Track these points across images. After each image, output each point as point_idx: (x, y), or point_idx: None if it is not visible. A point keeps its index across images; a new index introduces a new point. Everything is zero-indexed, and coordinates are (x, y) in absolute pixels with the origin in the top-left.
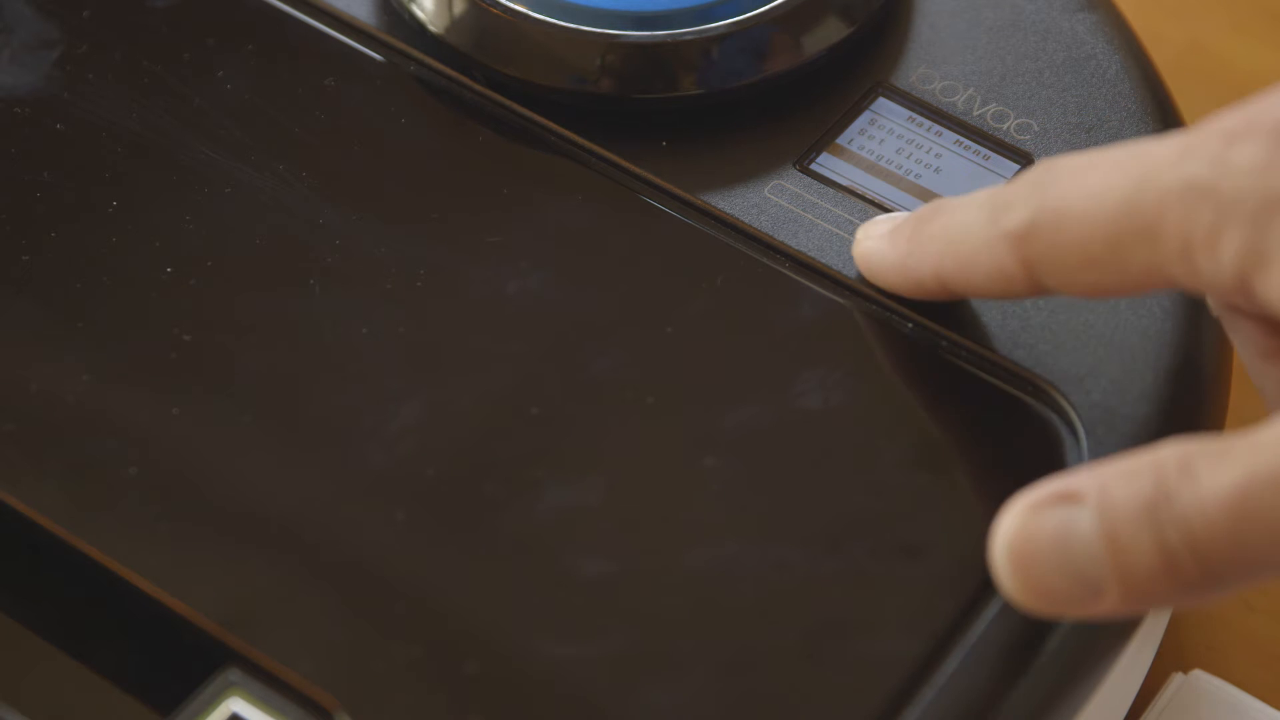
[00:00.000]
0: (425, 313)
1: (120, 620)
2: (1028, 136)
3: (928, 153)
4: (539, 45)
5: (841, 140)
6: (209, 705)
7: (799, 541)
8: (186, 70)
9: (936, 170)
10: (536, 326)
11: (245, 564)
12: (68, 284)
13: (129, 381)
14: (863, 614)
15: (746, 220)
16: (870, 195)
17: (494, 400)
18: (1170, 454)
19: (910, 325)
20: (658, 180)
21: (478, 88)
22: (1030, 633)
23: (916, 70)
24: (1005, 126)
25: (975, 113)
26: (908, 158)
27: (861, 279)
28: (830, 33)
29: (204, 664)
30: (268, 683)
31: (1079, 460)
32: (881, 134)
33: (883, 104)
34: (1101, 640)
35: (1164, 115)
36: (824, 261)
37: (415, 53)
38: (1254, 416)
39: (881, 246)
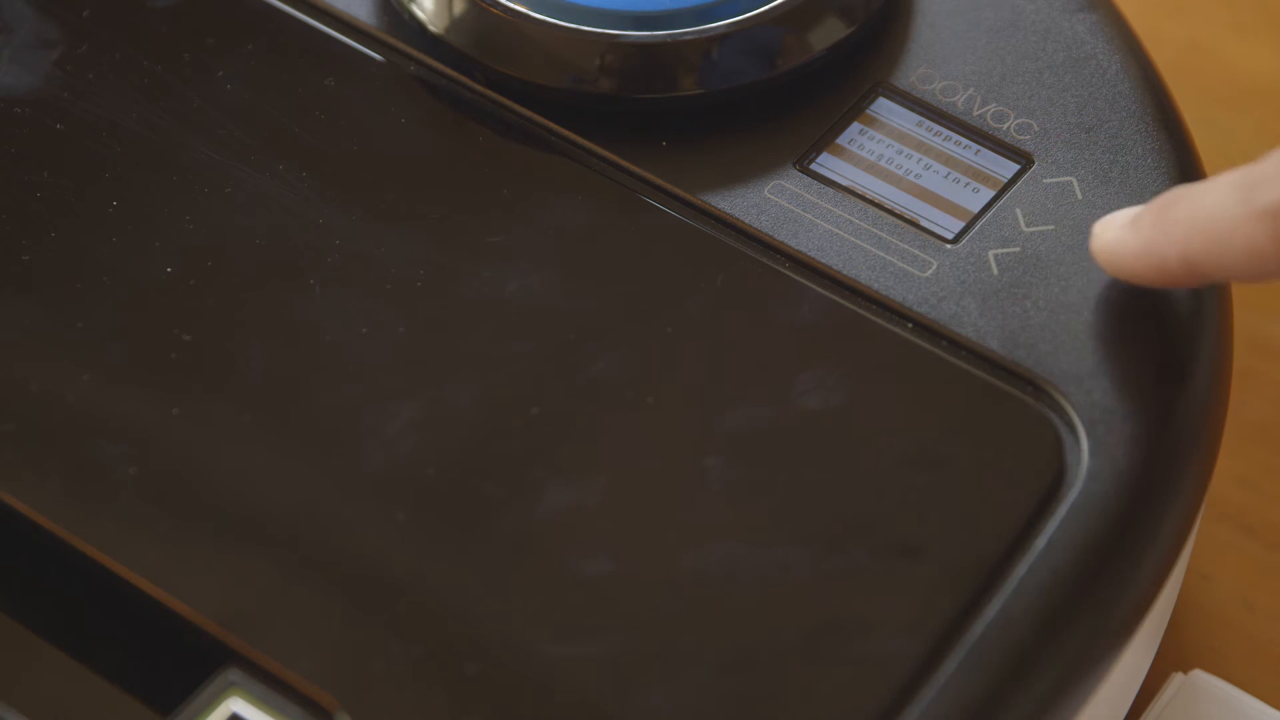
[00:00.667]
0: (425, 312)
1: (120, 620)
2: (1028, 136)
3: (928, 153)
4: (539, 45)
5: (841, 140)
6: (209, 705)
7: (799, 541)
8: (186, 70)
9: (936, 170)
10: (536, 326)
11: (245, 564)
12: (68, 284)
13: (129, 381)
14: (863, 614)
15: (746, 220)
16: (870, 195)
17: (494, 400)
18: None
19: (910, 325)
20: (658, 180)
21: (478, 88)
22: (1030, 633)
23: (916, 70)
24: (1005, 126)
25: (975, 113)
26: (908, 158)
27: (861, 279)
28: (830, 33)
29: (204, 664)
30: (268, 683)
31: (1079, 460)
32: (881, 134)
33: (883, 104)
34: (1101, 640)
35: (1164, 115)
36: (824, 261)
37: (415, 53)
38: (1254, 416)
39: (1124, 235)
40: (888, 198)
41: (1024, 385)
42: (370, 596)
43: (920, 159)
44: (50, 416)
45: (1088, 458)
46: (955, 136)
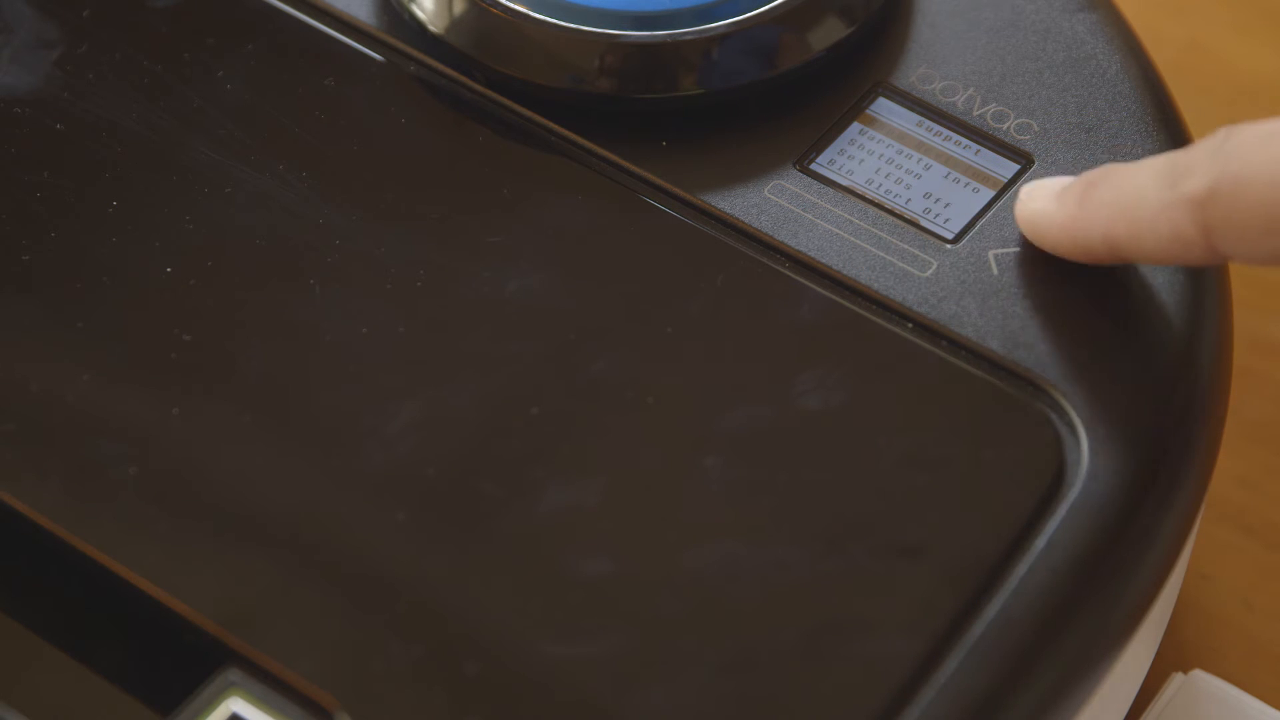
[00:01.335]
0: (425, 312)
1: (120, 620)
2: (1028, 136)
3: (928, 153)
4: (539, 45)
5: (841, 140)
6: (209, 705)
7: (799, 541)
8: (186, 70)
9: (936, 170)
10: (536, 326)
11: (245, 564)
12: (68, 284)
13: (129, 381)
14: (863, 614)
15: (746, 220)
16: (870, 195)
17: (494, 400)
18: None
19: (910, 325)
20: (658, 180)
21: (478, 88)
22: (1030, 633)
23: (916, 70)
24: (1005, 126)
25: (975, 113)
26: (908, 158)
27: (861, 279)
28: (830, 33)
29: (204, 664)
30: (268, 683)
31: (1079, 460)
32: (881, 134)
33: (883, 104)
34: (1101, 640)
35: (1164, 115)
36: (824, 261)
37: (415, 53)
38: (1254, 416)
39: (1048, 208)
40: (888, 198)
41: (1024, 385)
42: (370, 596)
43: (920, 159)
44: (50, 416)
45: (1088, 458)
46: (955, 136)
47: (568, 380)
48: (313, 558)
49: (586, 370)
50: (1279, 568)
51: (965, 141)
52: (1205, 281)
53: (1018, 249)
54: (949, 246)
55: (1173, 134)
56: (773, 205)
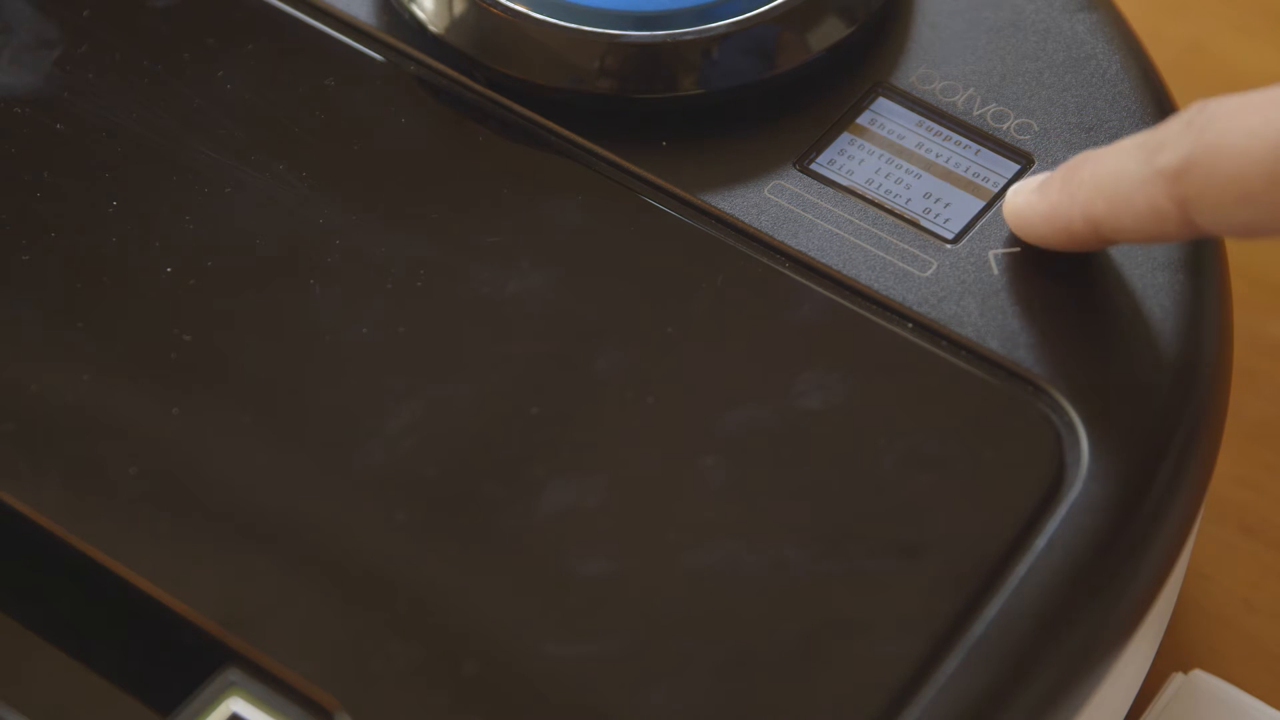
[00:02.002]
0: (425, 312)
1: (120, 620)
2: (1028, 136)
3: (928, 153)
4: (539, 45)
5: (841, 140)
6: (209, 705)
7: (798, 541)
8: (186, 70)
9: (936, 170)
10: (536, 326)
11: (245, 564)
12: (68, 284)
13: (129, 381)
14: (863, 614)
15: (746, 220)
16: (870, 195)
17: (494, 400)
18: None
19: (910, 325)
20: (658, 180)
21: (478, 88)
22: (1030, 633)
23: (916, 70)
24: (1005, 126)
25: (975, 113)
26: (908, 158)
27: (861, 279)
28: (830, 33)
29: (204, 664)
30: (268, 683)
31: (1079, 460)
32: (881, 134)
33: (883, 104)
34: (1101, 640)
35: (1164, 115)
36: (824, 261)
37: (415, 53)
38: (1254, 416)
39: (1032, 199)
40: (888, 198)
41: (1024, 385)
42: (370, 596)
43: (920, 159)
44: (50, 416)
45: (1088, 458)
46: (955, 136)
47: (568, 380)
48: (313, 557)
49: (587, 370)
50: (1279, 568)
51: (965, 141)
52: (1205, 281)
53: (1018, 249)
54: (949, 246)
55: None
56: (773, 205)
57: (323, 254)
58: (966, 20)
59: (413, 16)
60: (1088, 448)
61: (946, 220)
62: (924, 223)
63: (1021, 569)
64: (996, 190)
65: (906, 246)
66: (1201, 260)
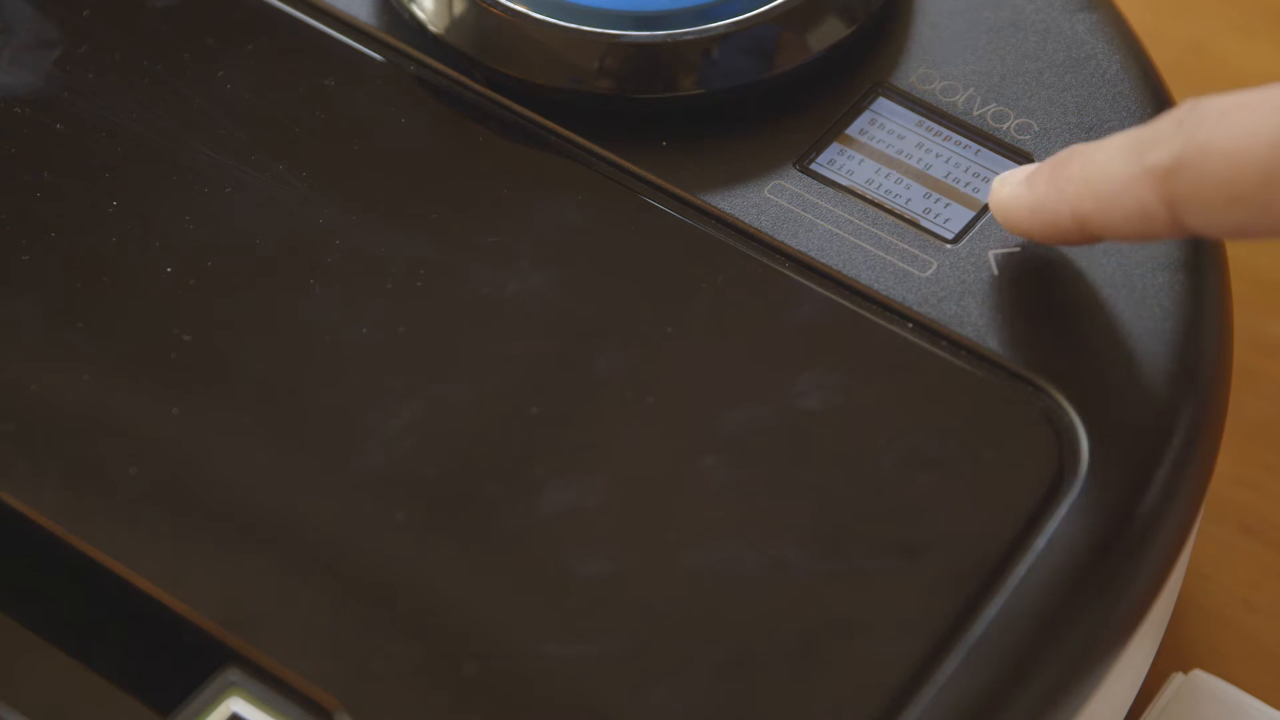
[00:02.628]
0: (425, 312)
1: (120, 620)
2: (1028, 136)
3: (928, 153)
4: (539, 45)
5: (841, 140)
6: (209, 705)
7: (799, 541)
8: (186, 70)
9: (936, 171)
10: (536, 326)
11: (245, 564)
12: (68, 284)
13: (129, 381)
14: (863, 614)
15: (746, 220)
16: (870, 195)
17: (494, 400)
18: None
19: (910, 325)
20: (658, 180)
21: (478, 88)
22: (1030, 633)
23: (916, 70)
24: (1005, 126)
25: (975, 113)
26: (908, 158)
27: (861, 279)
28: (830, 33)
29: (204, 664)
30: (268, 683)
31: (1079, 461)
32: (881, 134)
33: (883, 104)
34: (1101, 640)
35: None
36: (824, 261)
37: (415, 53)
38: (1254, 416)
39: (1019, 191)
40: (888, 198)
41: (1024, 385)
42: (370, 596)
43: (920, 159)
44: (50, 416)
45: (1088, 458)
46: (955, 136)
47: (568, 380)
48: (313, 557)
49: (586, 370)
50: (1279, 568)
51: (965, 142)
52: (1205, 281)
53: (1018, 249)
54: (949, 246)
55: None
56: (773, 205)
57: (323, 254)
58: (966, 20)
59: (413, 16)
60: (1088, 448)
61: (946, 220)
62: (924, 223)
63: (1021, 569)
64: None
65: (906, 246)
66: (1201, 260)
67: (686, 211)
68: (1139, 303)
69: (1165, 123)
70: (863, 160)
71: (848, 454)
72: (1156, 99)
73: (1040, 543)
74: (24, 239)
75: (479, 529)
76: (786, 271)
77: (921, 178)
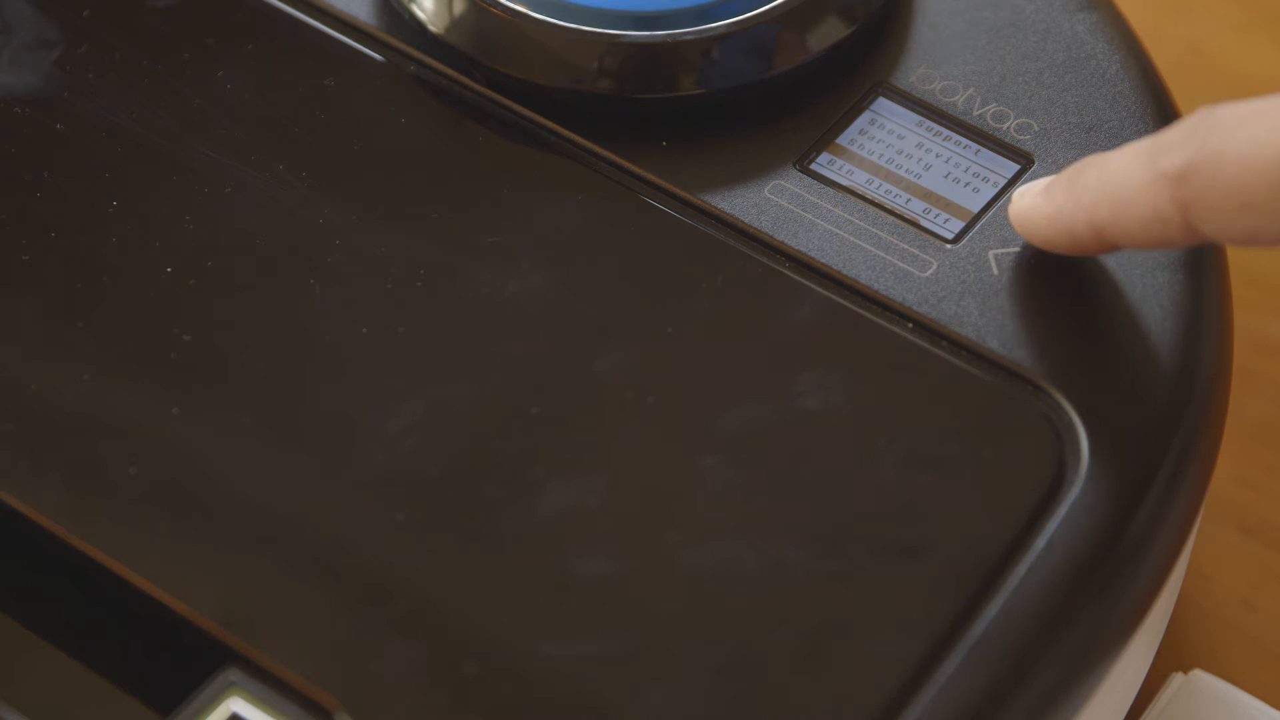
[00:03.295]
0: (425, 312)
1: (120, 620)
2: (1028, 136)
3: (928, 153)
4: (539, 45)
5: (841, 140)
6: (209, 705)
7: (799, 541)
8: (186, 70)
9: (936, 170)
10: (536, 326)
11: (245, 564)
12: (68, 284)
13: (129, 381)
14: (863, 614)
15: (746, 220)
16: (870, 195)
17: (494, 400)
18: None
19: (910, 325)
20: (658, 180)
21: (478, 88)
22: (1030, 633)
23: (916, 70)
24: (1005, 126)
25: (975, 113)
26: (908, 158)
27: (861, 279)
28: (830, 33)
29: (204, 664)
30: (268, 683)
31: (1079, 460)
32: (881, 134)
33: (883, 104)
34: (1102, 640)
35: (1164, 115)
36: (824, 261)
37: (415, 53)
38: (1254, 416)
39: (1037, 202)
40: (888, 198)
41: (1024, 385)
42: (370, 596)
43: (920, 159)
44: (50, 416)
45: (1088, 458)
46: (955, 136)
47: (568, 380)
48: (313, 557)
49: (586, 370)
50: (1279, 568)
51: (965, 141)
52: (1205, 281)
53: (1018, 249)
54: (949, 246)
55: None
56: (773, 205)
57: (323, 254)
58: (966, 20)
59: (413, 16)
60: (1088, 448)
61: (946, 220)
62: (924, 223)
63: (1021, 569)
64: (996, 190)
65: (906, 246)
66: (1201, 261)
67: (686, 211)
68: (1139, 303)
69: (1180, 129)
70: (863, 160)
71: (848, 454)
72: (1156, 99)
73: (1040, 543)
74: (24, 239)
75: (479, 529)
76: (786, 271)
77: (922, 178)
